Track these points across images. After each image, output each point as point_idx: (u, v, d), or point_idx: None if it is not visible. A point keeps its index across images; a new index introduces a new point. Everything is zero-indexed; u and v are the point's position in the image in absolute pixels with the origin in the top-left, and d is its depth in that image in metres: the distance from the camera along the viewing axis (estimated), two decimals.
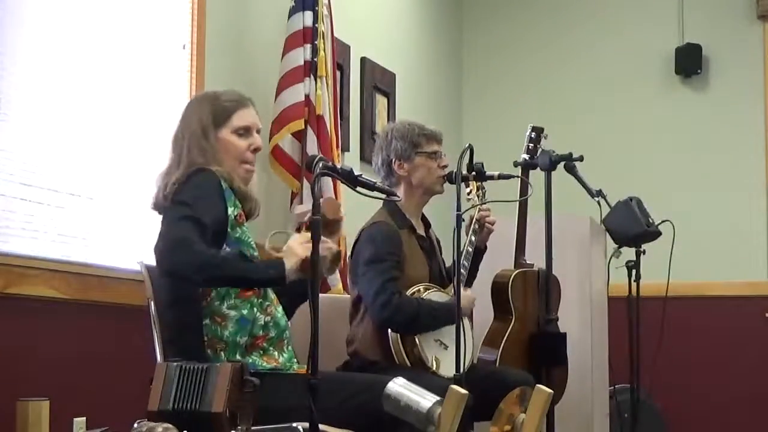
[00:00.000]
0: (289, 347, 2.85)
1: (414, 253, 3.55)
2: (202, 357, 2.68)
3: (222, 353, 2.71)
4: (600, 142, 6.06)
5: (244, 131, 2.90)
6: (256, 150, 2.91)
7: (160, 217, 2.78)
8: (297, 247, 2.70)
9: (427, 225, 3.74)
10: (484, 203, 3.69)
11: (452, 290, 3.50)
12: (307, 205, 2.96)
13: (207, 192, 2.74)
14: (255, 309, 2.77)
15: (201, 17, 4.05)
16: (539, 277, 3.91)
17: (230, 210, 2.78)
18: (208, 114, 2.87)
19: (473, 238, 3.64)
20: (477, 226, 3.66)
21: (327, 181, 4.12)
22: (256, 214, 2.92)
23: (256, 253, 2.85)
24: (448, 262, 3.70)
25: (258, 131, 2.95)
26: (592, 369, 4.41)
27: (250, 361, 2.72)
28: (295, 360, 2.84)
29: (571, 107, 6.37)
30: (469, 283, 3.65)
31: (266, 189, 4.29)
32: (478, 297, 3.77)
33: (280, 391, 2.65)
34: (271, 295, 2.85)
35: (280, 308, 2.87)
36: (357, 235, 3.55)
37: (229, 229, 2.77)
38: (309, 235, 2.64)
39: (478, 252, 3.68)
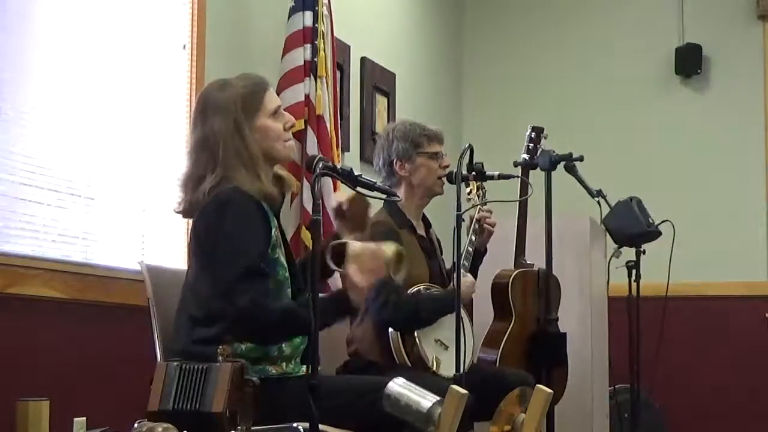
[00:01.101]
0: (298, 359, 2.81)
1: (414, 253, 3.54)
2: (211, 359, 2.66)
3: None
4: (600, 142, 6.06)
5: (277, 112, 2.83)
6: (292, 127, 2.87)
7: (188, 220, 2.75)
8: (358, 279, 2.63)
9: (427, 225, 3.74)
10: (485, 203, 3.69)
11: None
12: (340, 195, 2.94)
13: (251, 222, 2.67)
14: None
15: (201, 17, 4.05)
16: (539, 277, 3.91)
17: (273, 232, 2.74)
18: (239, 108, 2.75)
19: (473, 238, 3.64)
20: (477, 227, 3.66)
21: (327, 181, 4.12)
22: (290, 191, 2.92)
23: (286, 274, 2.79)
24: (448, 264, 3.69)
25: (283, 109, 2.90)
26: (592, 369, 4.41)
27: (259, 368, 2.69)
28: (302, 367, 2.82)
29: (571, 107, 6.36)
30: None
31: None
32: (478, 297, 3.77)
33: (281, 391, 2.65)
34: None
35: None
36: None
37: (269, 250, 2.73)
38: (364, 253, 2.62)
39: (478, 254, 3.68)
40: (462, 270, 3.50)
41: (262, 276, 2.65)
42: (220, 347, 2.61)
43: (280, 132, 2.82)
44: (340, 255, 2.69)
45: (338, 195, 2.98)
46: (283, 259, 2.79)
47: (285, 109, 4.15)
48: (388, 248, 2.70)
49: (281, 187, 2.87)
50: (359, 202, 2.87)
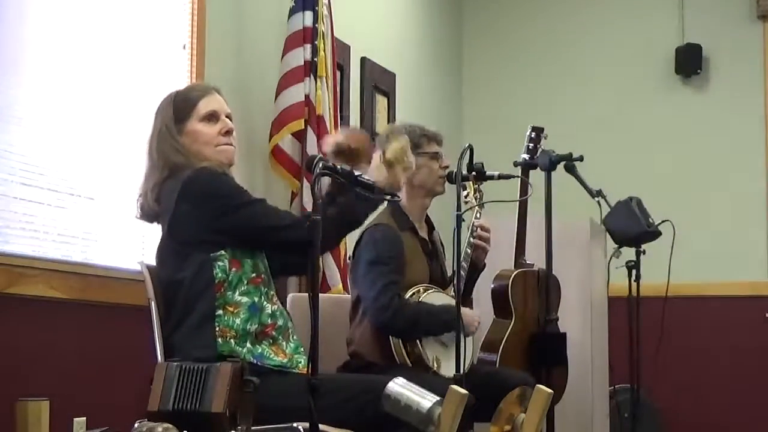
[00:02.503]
0: (294, 336, 2.85)
1: (415, 255, 3.54)
2: (212, 347, 2.68)
3: (232, 341, 2.69)
4: (600, 142, 6.06)
5: (211, 117, 2.86)
6: (228, 132, 2.88)
7: (146, 224, 2.83)
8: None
9: (431, 227, 3.73)
10: (482, 205, 3.69)
11: (452, 290, 3.50)
12: (334, 136, 2.95)
13: (227, 180, 2.79)
14: (262, 297, 2.79)
15: (201, 17, 4.05)
16: (539, 278, 3.91)
17: None
18: (171, 111, 2.86)
19: (472, 240, 3.63)
20: (473, 239, 3.63)
21: (327, 181, 4.11)
22: None
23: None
24: (450, 271, 3.68)
25: (228, 116, 2.91)
26: (592, 369, 4.41)
27: (260, 350, 2.72)
28: (302, 350, 2.83)
29: (571, 107, 6.37)
30: (467, 292, 3.63)
31: (266, 189, 4.30)
32: (478, 297, 3.77)
33: (281, 390, 2.65)
34: (274, 286, 2.87)
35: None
36: (359, 236, 3.55)
37: None
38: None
39: (474, 269, 3.66)
40: (461, 272, 3.51)
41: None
42: (218, 329, 2.67)
43: (211, 137, 2.86)
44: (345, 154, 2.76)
45: (332, 136, 2.98)
46: None
47: (285, 109, 4.23)
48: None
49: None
50: (359, 135, 2.88)
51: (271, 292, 2.83)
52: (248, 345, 2.71)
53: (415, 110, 5.75)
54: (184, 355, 2.62)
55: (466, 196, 3.70)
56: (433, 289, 3.49)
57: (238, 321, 2.72)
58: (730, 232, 6.04)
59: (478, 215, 3.67)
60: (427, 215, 3.71)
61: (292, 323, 2.87)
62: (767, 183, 6.03)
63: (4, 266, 3.13)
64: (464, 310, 3.38)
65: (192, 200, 2.74)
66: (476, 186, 3.70)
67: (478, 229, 3.63)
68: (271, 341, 2.77)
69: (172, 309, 2.77)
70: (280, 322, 2.81)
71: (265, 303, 2.79)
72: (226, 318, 2.72)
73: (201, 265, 2.72)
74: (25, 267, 3.21)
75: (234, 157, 2.90)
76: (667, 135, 6.23)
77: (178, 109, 2.86)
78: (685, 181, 6.15)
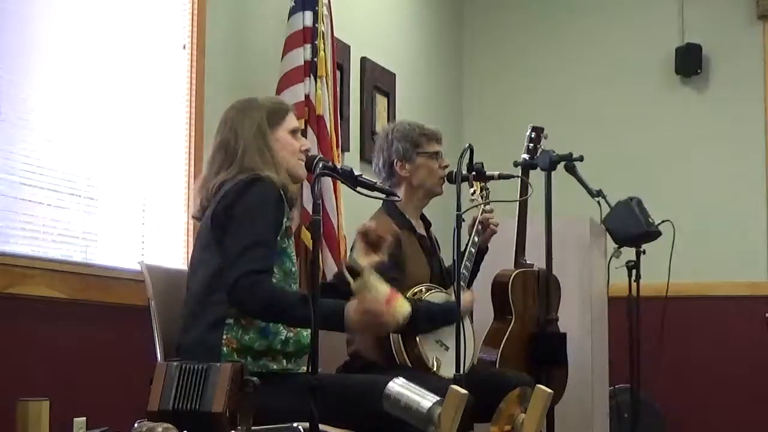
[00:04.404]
0: (302, 358, 2.84)
1: (415, 253, 3.54)
2: (215, 352, 2.69)
3: (234, 354, 2.70)
4: (600, 142, 6.06)
5: (295, 132, 2.98)
6: (306, 151, 2.99)
7: (189, 221, 2.84)
8: (371, 303, 2.64)
9: (427, 225, 3.73)
10: (487, 203, 3.69)
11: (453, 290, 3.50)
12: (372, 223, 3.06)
13: (268, 203, 2.76)
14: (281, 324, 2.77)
15: (201, 17, 4.05)
16: (539, 278, 3.92)
17: (284, 220, 2.81)
18: (264, 116, 2.92)
19: (476, 239, 3.64)
20: (480, 227, 3.65)
21: (327, 181, 4.12)
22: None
23: (294, 268, 2.87)
24: (447, 261, 3.69)
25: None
26: (592, 369, 4.41)
27: (262, 362, 2.72)
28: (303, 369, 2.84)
29: (572, 107, 6.36)
30: (469, 284, 3.65)
31: None
32: (478, 297, 3.77)
33: (281, 390, 2.65)
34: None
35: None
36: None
37: (278, 238, 2.79)
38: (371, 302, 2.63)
39: (480, 252, 3.68)
40: (464, 271, 3.51)
41: (272, 249, 2.73)
42: (225, 337, 2.64)
43: (296, 148, 2.96)
44: (355, 272, 2.70)
45: (372, 223, 3.10)
46: (292, 252, 2.86)
47: None
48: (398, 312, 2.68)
49: (294, 196, 2.96)
50: (384, 234, 2.95)
51: None
52: (249, 359, 2.71)
53: (415, 110, 5.74)
54: (189, 353, 2.66)
55: (472, 194, 3.71)
56: (435, 290, 3.49)
57: (246, 337, 2.72)
58: (730, 232, 6.04)
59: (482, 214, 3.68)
60: (422, 213, 3.72)
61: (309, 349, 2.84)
62: (767, 183, 6.03)
63: (4, 266, 3.13)
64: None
65: (223, 200, 2.77)
66: (483, 185, 3.71)
67: (487, 217, 3.65)
68: (271, 358, 2.77)
69: (193, 298, 2.79)
70: (290, 349, 2.79)
71: (281, 329, 2.77)
72: (236, 329, 2.72)
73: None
74: (25, 267, 3.21)
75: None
76: (667, 135, 6.23)
77: (272, 113, 2.94)
78: (685, 181, 6.15)
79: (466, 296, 3.47)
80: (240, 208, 2.74)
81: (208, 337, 2.70)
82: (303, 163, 2.94)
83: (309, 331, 2.77)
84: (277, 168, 2.86)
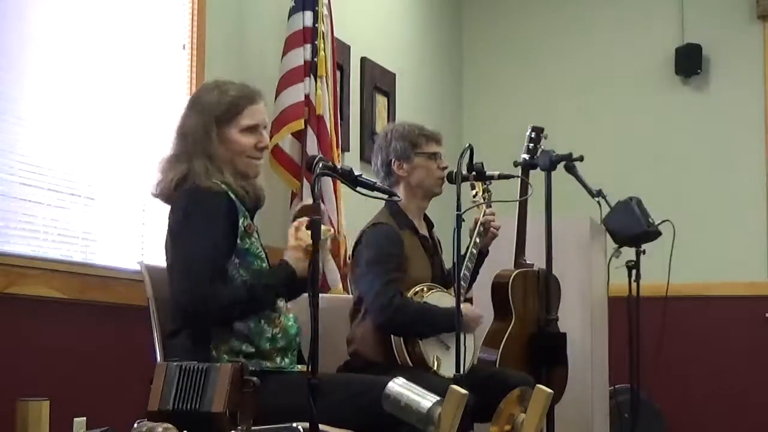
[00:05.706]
0: (294, 351, 2.84)
1: (416, 253, 3.54)
2: (206, 355, 2.68)
3: (225, 356, 2.70)
4: (600, 142, 6.06)
5: (251, 129, 2.88)
6: (263, 149, 2.91)
7: (165, 206, 2.84)
8: (290, 240, 2.78)
9: (430, 225, 3.73)
10: (489, 204, 3.69)
11: (454, 291, 3.50)
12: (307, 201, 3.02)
13: (214, 220, 2.73)
14: (263, 322, 2.76)
15: (201, 17, 4.05)
16: (539, 277, 3.91)
17: (241, 221, 2.78)
18: (213, 112, 2.84)
19: (478, 240, 3.63)
20: (482, 229, 3.65)
21: (327, 181, 4.12)
22: (262, 204, 2.94)
23: (264, 264, 2.84)
24: (448, 264, 3.69)
25: (265, 128, 2.94)
26: (592, 369, 4.41)
27: (253, 361, 2.71)
28: (297, 365, 2.84)
29: (571, 107, 6.36)
30: (469, 286, 3.64)
31: (266, 189, 4.29)
32: (478, 297, 3.77)
33: (280, 390, 2.65)
34: (281, 304, 2.84)
35: (291, 315, 2.86)
36: (358, 235, 3.55)
37: (238, 241, 2.77)
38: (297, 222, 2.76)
39: (480, 255, 3.68)
40: (465, 272, 3.51)
41: (225, 276, 2.74)
42: (212, 345, 2.67)
43: (245, 148, 2.87)
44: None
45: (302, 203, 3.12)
46: (258, 249, 2.83)
47: (285, 109, 4.22)
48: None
49: (256, 191, 2.91)
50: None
51: (274, 315, 2.80)
52: (242, 359, 2.70)
53: (415, 110, 5.74)
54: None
55: (474, 195, 3.70)
56: (436, 289, 3.49)
57: (233, 341, 2.73)
58: (730, 232, 6.04)
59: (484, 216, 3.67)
60: (425, 213, 3.72)
61: (299, 337, 2.85)
62: (767, 183, 6.03)
63: (4, 266, 3.13)
64: (467, 308, 3.39)
65: (172, 216, 2.80)
66: (485, 186, 3.70)
67: (489, 219, 3.64)
68: (264, 356, 2.76)
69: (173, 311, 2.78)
70: (281, 344, 2.79)
71: (265, 327, 2.77)
72: (221, 335, 2.72)
73: None
74: (25, 267, 3.21)
75: (260, 171, 2.94)
76: (667, 135, 6.23)
77: (224, 111, 2.85)
78: (685, 181, 6.15)
79: (472, 312, 3.47)
80: (179, 225, 2.76)
81: (196, 350, 2.69)
82: (253, 161, 2.88)
83: (293, 321, 2.83)
84: (223, 171, 2.81)
